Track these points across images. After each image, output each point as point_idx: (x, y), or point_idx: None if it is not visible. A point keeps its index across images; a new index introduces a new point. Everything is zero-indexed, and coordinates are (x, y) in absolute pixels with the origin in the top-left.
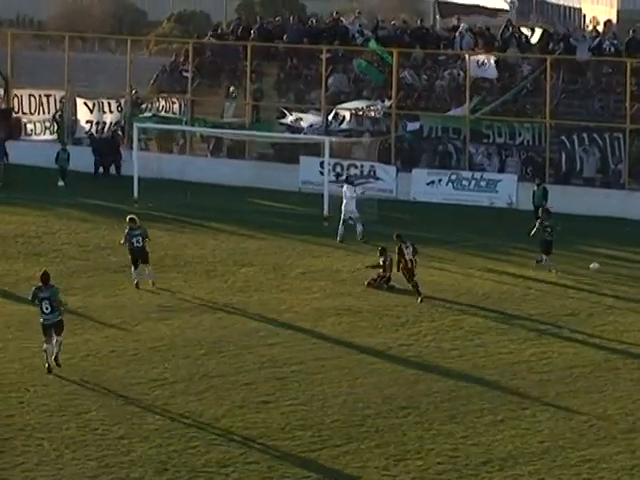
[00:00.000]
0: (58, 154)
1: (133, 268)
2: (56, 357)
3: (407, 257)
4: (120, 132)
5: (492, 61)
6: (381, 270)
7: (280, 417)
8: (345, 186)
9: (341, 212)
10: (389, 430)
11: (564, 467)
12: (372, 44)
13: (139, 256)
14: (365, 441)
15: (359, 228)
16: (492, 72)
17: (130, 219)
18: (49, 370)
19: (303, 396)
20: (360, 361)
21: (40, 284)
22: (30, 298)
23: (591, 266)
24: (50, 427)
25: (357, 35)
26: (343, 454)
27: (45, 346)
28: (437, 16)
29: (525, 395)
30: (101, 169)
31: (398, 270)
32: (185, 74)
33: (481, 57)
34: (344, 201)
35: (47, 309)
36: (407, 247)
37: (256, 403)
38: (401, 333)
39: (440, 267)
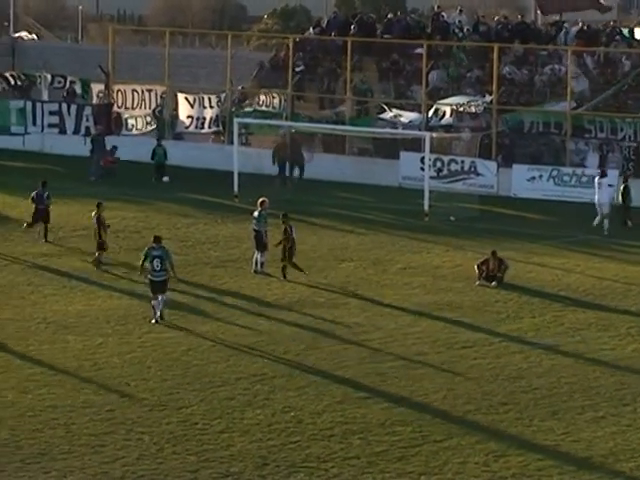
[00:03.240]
0: (154, 150)
1: (255, 253)
2: (161, 313)
3: (294, 237)
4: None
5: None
6: (485, 267)
7: (380, 412)
8: (597, 178)
9: (597, 206)
10: (489, 426)
11: None
12: None
13: (255, 240)
14: (465, 437)
15: (606, 224)
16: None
17: (260, 202)
18: (157, 321)
19: (403, 391)
20: (461, 357)
21: (153, 244)
22: (142, 256)
23: None
24: (150, 421)
25: (457, 31)
26: (443, 450)
27: (153, 302)
28: (538, 12)
29: (626, 391)
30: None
31: (286, 252)
32: (297, 69)
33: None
34: (596, 196)
35: (157, 267)
36: (291, 227)
37: (356, 398)
38: (502, 329)
39: (540, 263)
